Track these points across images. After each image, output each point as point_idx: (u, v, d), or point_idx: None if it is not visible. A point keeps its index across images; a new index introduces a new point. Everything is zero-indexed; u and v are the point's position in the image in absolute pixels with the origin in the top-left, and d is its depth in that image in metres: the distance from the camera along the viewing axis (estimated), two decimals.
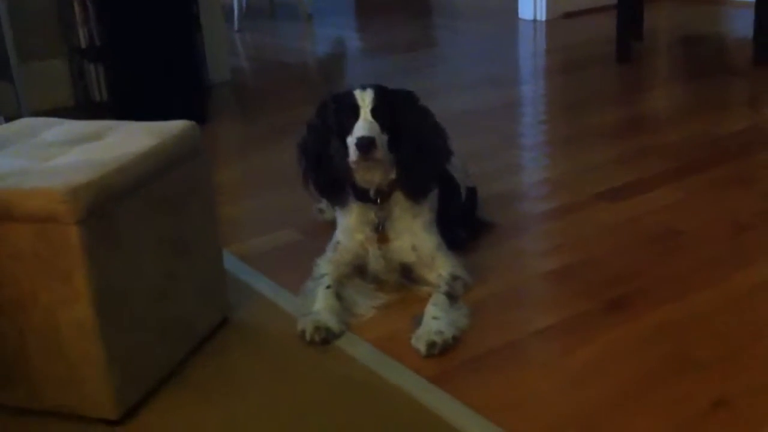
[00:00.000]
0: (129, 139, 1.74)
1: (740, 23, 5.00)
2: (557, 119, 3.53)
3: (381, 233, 2.04)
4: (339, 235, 2.11)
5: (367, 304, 2.03)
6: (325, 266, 2.08)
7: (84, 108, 3.86)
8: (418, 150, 1.99)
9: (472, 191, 2.34)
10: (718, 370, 1.71)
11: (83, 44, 3.73)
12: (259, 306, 2.07)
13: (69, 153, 1.72)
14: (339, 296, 2.00)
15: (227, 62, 4.42)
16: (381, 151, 1.94)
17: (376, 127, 1.94)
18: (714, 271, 2.11)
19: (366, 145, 1.91)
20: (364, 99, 1.96)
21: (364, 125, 1.94)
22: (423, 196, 2.04)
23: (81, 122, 1.94)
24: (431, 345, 1.81)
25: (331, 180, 2.04)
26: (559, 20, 5.38)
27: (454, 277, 2.03)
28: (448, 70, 4.42)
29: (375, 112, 1.95)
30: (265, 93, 4.23)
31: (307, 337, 1.86)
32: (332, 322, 1.90)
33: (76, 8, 3.68)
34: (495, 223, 2.41)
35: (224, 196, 2.58)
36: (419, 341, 1.83)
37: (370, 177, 2.00)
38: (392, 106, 1.98)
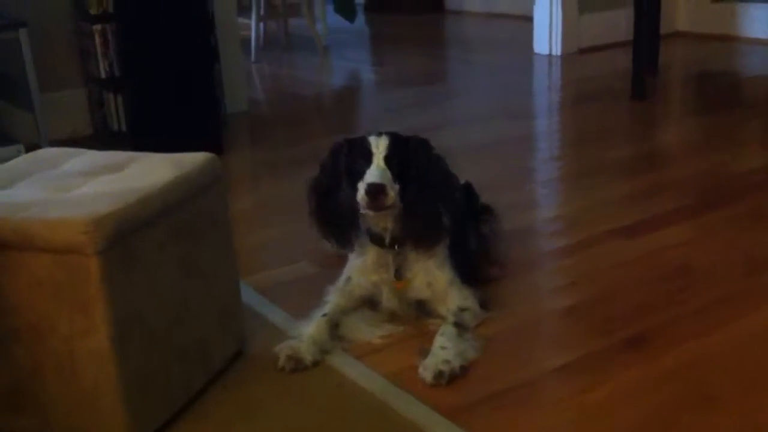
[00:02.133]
0: (150, 171, 1.76)
1: (755, 60, 5.02)
2: (571, 154, 3.54)
3: (398, 277, 2.06)
4: (350, 272, 2.12)
5: (371, 332, 2.04)
6: (334, 295, 2.10)
7: (102, 137, 3.90)
8: (424, 200, 1.99)
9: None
10: (734, 409, 1.70)
11: (102, 74, 3.78)
12: (275, 338, 2.06)
13: (90, 184, 1.74)
14: (336, 324, 2.02)
15: (244, 93, 4.46)
16: (391, 199, 1.94)
17: (387, 174, 1.94)
18: (729, 309, 2.10)
19: (376, 192, 1.91)
20: (379, 146, 1.96)
21: (375, 172, 1.94)
22: (431, 247, 2.04)
23: (102, 153, 1.96)
24: (438, 374, 1.83)
25: (337, 222, 2.04)
26: (574, 55, 5.41)
27: (462, 309, 2.04)
28: (463, 103, 4.45)
29: (388, 160, 1.96)
30: (282, 124, 4.27)
31: (279, 363, 1.90)
32: (308, 353, 1.92)
33: (96, 39, 3.73)
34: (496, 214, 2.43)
35: (240, 226, 2.59)
36: (426, 370, 1.85)
37: (383, 224, 2.02)
38: (406, 155, 1.99)
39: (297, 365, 1.90)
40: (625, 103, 4.18)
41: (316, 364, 1.92)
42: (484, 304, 2.10)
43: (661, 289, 2.23)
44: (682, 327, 2.03)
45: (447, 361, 1.86)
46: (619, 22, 5.45)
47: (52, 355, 1.59)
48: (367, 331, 2.05)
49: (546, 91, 4.93)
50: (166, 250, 1.70)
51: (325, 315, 2.04)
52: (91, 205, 1.57)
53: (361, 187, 1.94)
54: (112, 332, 1.55)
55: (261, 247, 2.66)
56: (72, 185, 1.74)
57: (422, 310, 2.11)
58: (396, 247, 2.04)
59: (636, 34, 4.18)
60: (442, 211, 2.02)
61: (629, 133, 3.84)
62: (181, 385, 1.77)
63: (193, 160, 1.82)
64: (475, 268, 2.22)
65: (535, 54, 5.51)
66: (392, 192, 1.94)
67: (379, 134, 2.00)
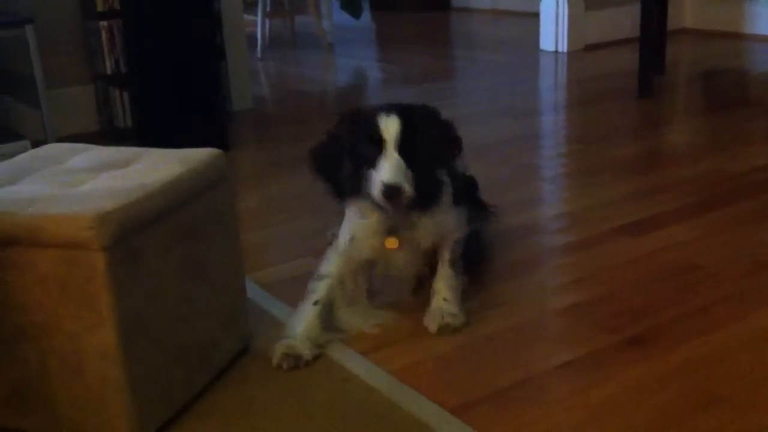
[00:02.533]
0: (156, 167, 1.76)
1: (762, 57, 5.01)
2: (576, 152, 3.54)
3: (404, 235, 2.00)
4: (354, 231, 2.04)
5: (365, 320, 2.05)
6: (333, 261, 2.06)
7: (108, 134, 3.91)
8: (427, 169, 1.94)
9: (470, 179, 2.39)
10: (738, 407, 1.70)
11: (109, 71, 3.79)
12: (280, 334, 2.07)
13: (96, 179, 1.74)
14: (330, 310, 2.01)
15: (250, 90, 4.47)
16: (407, 194, 1.87)
17: (402, 167, 1.87)
18: (734, 307, 2.10)
19: (393, 194, 1.86)
20: (389, 130, 1.89)
21: (390, 169, 1.87)
22: (430, 208, 2.00)
23: (108, 149, 1.97)
24: (444, 327, 1.96)
25: (340, 189, 1.99)
26: (580, 52, 5.41)
27: (456, 241, 2.09)
28: (468, 101, 4.45)
29: (401, 146, 1.89)
30: (287, 121, 4.27)
31: (274, 362, 1.89)
32: (305, 349, 1.92)
33: (103, 36, 3.74)
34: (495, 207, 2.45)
35: (245, 223, 2.60)
36: (432, 321, 1.95)
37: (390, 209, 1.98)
38: (414, 131, 1.91)
39: (296, 362, 1.90)
40: (631, 100, 4.18)
41: (315, 358, 1.92)
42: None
43: (666, 288, 2.23)
44: (686, 325, 2.02)
45: (453, 314, 1.98)
46: (625, 19, 5.45)
47: (59, 352, 1.59)
48: (360, 319, 2.05)
49: (552, 89, 4.93)
50: (172, 247, 1.70)
51: (316, 303, 2.01)
52: (97, 201, 1.57)
53: (376, 182, 1.87)
54: (118, 329, 1.55)
55: (266, 243, 2.66)
56: (78, 181, 1.75)
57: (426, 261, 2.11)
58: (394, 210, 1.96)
59: (642, 31, 4.17)
60: (442, 174, 1.99)
61: (635, 131, 3.84)
62: (185, 382, 1.77)
63: (199, 156, 1.83)
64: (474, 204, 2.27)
65: (541, 51, 5.51)
66: (408, 187, 1.87)
67: (388, 111, 1.91)
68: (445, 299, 2.04)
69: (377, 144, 1.90)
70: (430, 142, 1.93)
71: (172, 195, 1.69)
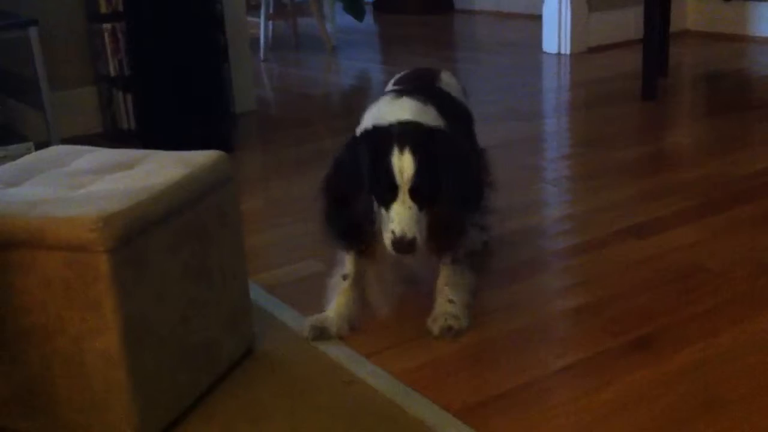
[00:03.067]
0: (160, 169, 1.76)
1: (766, 59, 5.00)
2: (580, 154, 3.53)
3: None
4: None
5: (392, 291, 2.06)
6: (348, 262, 2.06)
7: (112, 136, 3.92)
8: (450, 210, 1.86)
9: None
10: (744, 411, 1.70)
11: (112, 73, 3.79)
12: (283, 336, 2.07)
13: (100, 181, 1.74)
14: (359, 283, 2.03)
15: (253, 92, 4.47)
16: (419, 245, 1.79)
17: (414, 214, 1.78)
18: (739, 310, 2.09)
19: (405, 248, 1.77)
20: (403, 171, 1.77)
21: (402, 217, 1.77)
22: (449, 253, 2.00)
23: (112, 151, 1.97)
24: (447, 329, 1.94)
25: (352, 229, 1.92)
26: (583, 54, 5.40)
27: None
28: (472, 103, 4.42)
29: (415, 191, 1.78)
30: (290, 123, 4.27)
31: (304, 333, 1.99)
32: (333, 325, 1.99)
33: (106, 38, 3.75)
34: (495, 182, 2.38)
35: (248, 225, 2.60)
36: (434, 323, 1.94)
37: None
38: (435, 165, 1.80)
39: (321, 333, 1.97)
40: (635, 103, 4.17)
41: (340, 334, 1.98)
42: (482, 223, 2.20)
43: (670, 290, 2.22)
44: (691, 328, 2.02)
45: (456, 317, 1.94)
46: (629, 21, 5.44)
47: (62, 354, 1.59)
48: (386, 290, 2.05)
49: (555, 91, 4.92)
50: (176, 249, 1.70)
51: (345, 277, 2.02)
52: (101, 203, 1.57)
53: (387, 232, 1.81)
54: (122, 331, 1.55)
55: (269, 245, 2.66)
56: (82, 183, 1.75)
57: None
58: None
59: (646, 33, 4.17)
60: (466, 219, 1.94)
61: (639, 133, 3.83)
62: (189, 384, 1.77)
63: (202, 158, 1.83)
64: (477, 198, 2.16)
65: (544, 53, 5.51)
66: (420, 237, 1.79)
67: (401, 144, 1.78)
68: (450, 301, 2.01)
69: (390, 185, 1.80)
70: (453, 184, 1.84)
71: (176, 197, 1.69)
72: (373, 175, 1.83)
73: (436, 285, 2.07)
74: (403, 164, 1.78)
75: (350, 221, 1.90)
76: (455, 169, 1.87)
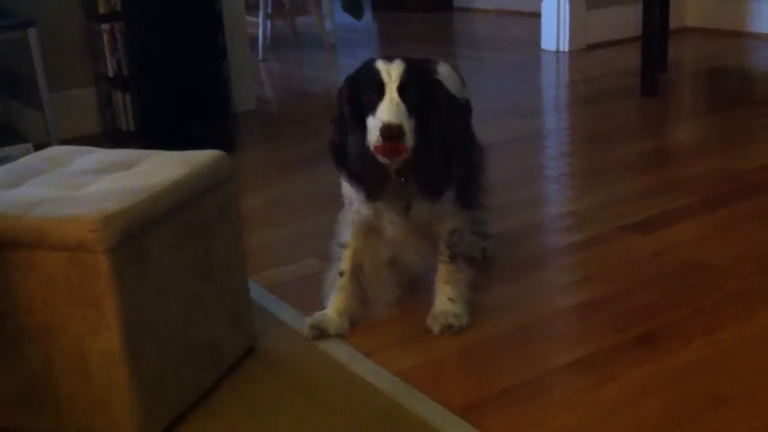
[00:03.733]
0: (160, 168, 1.76)
1: (765, 55, 5.00)
2: (581, 151, 3.53)
3: (402, 203, 1.90)
4: (349, 195, 1.96)
5: (391, 288, 2.07)
6: (349, 230, 2.02)
7: (111, 136, 3.91)
8: (439, 151, 1.80)
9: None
10: (747, 407, 1.69)
11: (111, 73, 3.78)
12: (284, 335, 2.07)
13: (100, 181, 1.74)
14: (356, 279, 2.03)
15: (253, 91, 4.46)
16: (409, 141, 1.70)
17: (403, 110, 1.70)
18: (742, 305, 2.09)
19: (393, 134, 1.67)
20: (391, 73, 1.73)
21: (390, 107, 1.69)
22: (435, 198, 1.90)
23: (112, 151, 1.96)
24: (447, 327, 1.96)
25: (360, 171, 1.82)
26: (582, 51, 5.40)
27: (453, 232, 2.01)
28: (471, 101, 4.43)
29: (403, 90, 1.72)
30: (290, 122, 4.27)
31: (305, 333, 2.00)
32: (331, 325, 2.01)
33: (105, 38, 3.74)
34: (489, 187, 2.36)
35: (249, 224, 2.59)
36: (435, 321, 1.96)
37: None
38: (423, 87, 1.76)
39: (320, 334, 1.98)
40: (635, 99, 4.17)
41: (339, 333, 2.00)
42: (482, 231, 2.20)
43: (673, 286, 2.22)
44: (694, 324, 2.01)
45: (457, 315, 1.97)
46: (627, 18, 5.44)
47: (64, 353, 1.59)
48: (383, 288, 2.06)
49: (554, 88, 4.92)
50: (177, 248, 1.70)
51: (342, 274, 2.03)
52: (101, 203, 1.57)
53: (374, 125, 1.71)
54: (123, 330, 1.55)
55: (269, 244, 2.66)
56: (82, 183, 1.74)
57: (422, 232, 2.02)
58: (402, 179, 1.84)
59: (645, 30, 4.16)
60: (454, 165, 1.88)
61: (639, 129, 3.83)
62: (191, 383, 1.77)
63: (202, 157, 1.82)
64: (472, 193, 2.20)
65: (543, 50, 5.50)
66: (408, 132, 1.70)
67: (391, 59, 1.75)
68: (450, 299, 2.01)
69: (378, 90, 1.74)
70: (442, 114, 1.80)
71: (176, 196, 1.68)
72: (360, 89, 1.77)
73: (435, 282, 2.06)
74: (391, 68, 1.74)
75: (356, 165, 1.82)
76: (446, 107, 1.84)
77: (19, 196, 1.67)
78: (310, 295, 2.23)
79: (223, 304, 1.86)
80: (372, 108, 1.74)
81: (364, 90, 1.77)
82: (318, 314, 2.04)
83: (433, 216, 1.98)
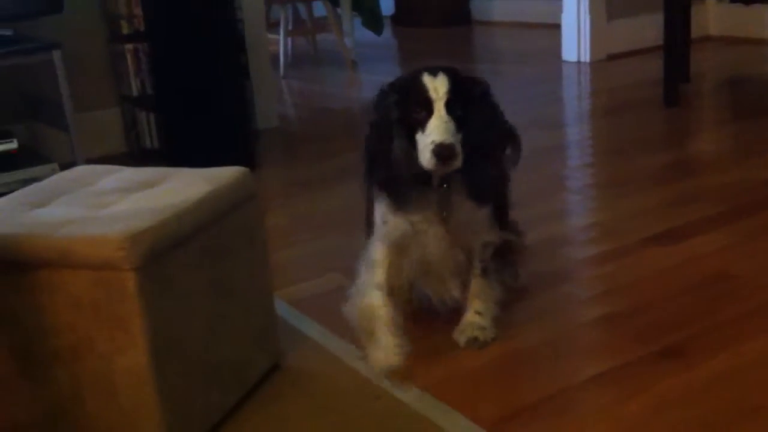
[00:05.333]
0: (185, 186, 1.77)
1: None
2: (603, 162, 3.51)
3: (443, 213, 1.90)
4: (386, 214, 1.94)
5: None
6: (379, 248, 1.97)
7: (136, 155, 3.95)
8: (486, 155, 1.83)
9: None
10: None
11: (135, 93, 3.83)
12: (309, 351, 2.07)
13: (125, 200, 1.76)
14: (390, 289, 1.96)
15: (275, 109, 4.49)
16: (459, 157, 1.74)
17: (452, 127, 1.74)
18: None
19: (446, 155, 1.72)
20: (438, 89, 1.75)
21: (440, 127, 1.73)
22: (487, 202, 1.94)
23: (136, 170, 1.98)
24: (473, 340, 1.93)
25: (394, 180, 1.84)
26: (603, 62, 5.38)
27: (486, 245, 2.01)
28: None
29: (450, 106, 1.75)
30: (312, 139, 4.29)
31: (383, 380, 1.87)
32: (395, 355, 1.90)
33: (129, 59, 3.78)
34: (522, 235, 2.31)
35: (273, 241, 2.60)
36: (461, 334, 1.94)
37: (440, 174, 1.83)
38: (467, 98, 1.79)
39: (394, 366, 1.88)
40: (657, 110, 4.15)
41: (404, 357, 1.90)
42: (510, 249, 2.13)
43: (698, 298, 2.20)
44: (720, 335, 2.00)
45: (483, 328, 1.95)
46: (649, 28, 5.40)
47: (91, 374, 1.60)
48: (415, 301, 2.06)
49: (576, 100, 4.91)
50: (202, 266, 1.71)
51: (379, 287, 1.96)
52: (127, 221, 1.58)
53: (426, 146, 1.74)
54: (150, 350, 1.56)
55: (293, 260, 2.66)
56: (108, 202, 1.76)
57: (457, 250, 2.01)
58: (444, 186, 1.87)
59: (666, 40, 4.14)
60: (501, 170, 1.91)
61: (662, 140, 3.81)
62: (217, 401, 1.77)
63: (226, 175, 1.83)
64: (505, 210, 2.16)
65: (564, 61, 5.49)
66: (459, 148, 1.74)
67: (434, 72, 1.78)
68: (477, 312, 2.01)
69: (426, 106, 1.77)
70: (488, 123, 1.83)
71: (201, 214, 1.69)
72: (407, 102, 1.80)
73: (466, 298, 2.05)
74: (437, 82, 1.77)
75: (393, 173, 1.84)
76: (491, 114, 1.86)
77: (45, 216, 1.69)
78: (333, 311, 2.23)
79: (248, 321, 1.87)
80: (421, 125, 1.77)
81: (411, 104, 1.79)
82: (378, 356, 1.90)
83: (471, 228, 1.97)
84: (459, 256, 2.02)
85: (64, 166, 2.64)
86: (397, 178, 1.84)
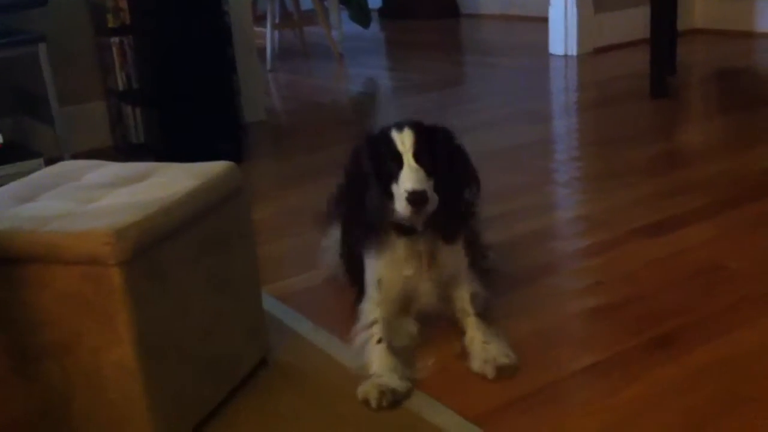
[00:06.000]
0: (172, 181, 1.76)
1: None
2: (591, 155, 3.52)
3: (432, 261, 1.97)
4: (378, 274, 2.00)
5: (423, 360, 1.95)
6: (372, 310, 1.98)
7: (122, 150, 3.92)
8: (453, 194, 1.93)
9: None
10: (767, 408, 1.68)
11: (121, 87, 3.80)
12: (298, 345, 2.07)
13: (112, 195, 1.74)
14: (393, 349, 1.91)
15: (262, 102, 4.47)
16: (432, 202, 1.87)
17: (422, 175, 1.86)
18: (760, 306, 2.07)
19: (419, 201, 1.83)
20: (404, 142, 1.88)
21: (411, 176, 1.85)
22: (457, 239, 2.00)
23: (123, 164, 1.97)
24: (502, 368, 1.84)
25: (369, 226, 1.95)
26: (590, 55, 5.39)
27: (474, 295, 2.02)
28: (480, 107, 4.44)
29: (418, 157, 1.87)
30: (300, 132, 4.27)
31: (374, 404, 1.76)
32: (396, 383, 1.80)
33: (114, 52, 3.76)
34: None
35: (260, 235, 2.59)
36: (486, 365, 1.85)
37: (416, 220, 1.92)
38: (432, 146, 1.91)
39: (394, 397, 1.77)
40: (645, 102, 4.16)
41: (409, 391, 1.80)
42: (488, 286, 2.10)
43: (689, 288, 2.20)
44: (711, 326, 2.00)
45: (506, 354, 1.87)
46: (635, 21, 5.42)
47: (80, 369, 1.59)
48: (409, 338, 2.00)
49: (563, 93, 4.91)
50: (190, 261, 1.69)
51: (380, 341, 1.91)
52: (114, 216, 1.57)
53: (400, 194, 1.86)
54: (138, 344, 1.55)
55: (281, 255, 2.65)
56: (94, 197, 1.75)
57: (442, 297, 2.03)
58: (426, 228, 1.94)
59: (653, 32, 4.15)
60: (467, 203, 1.98)
61: (650, 132, 3.81)
62: (207, 396, 1.76)
63: (213, 169, 1.82)
64: (476, 253, 2.18)
65: (551, 55, 5.50)
66: (431, 193, 1.87)
67: (400, 128, 1.90)
68: (485, 341, 1.91)
69: (396, 159, 1.88)
70: (451, 163, 1.94)
71: (188, 208, 1.68)
72: (378, 157, 1.92)
73: (464, 341, 1.96)
74: (404, 136, 1.89)
75: (366, 220, 1.95)
76: (453, 154, 1.96)
77: (32, 211, 1.67)
78: (321, 305, 2.23)
79: (237, 316, 1.86)
80: (394, 176, 1.88)
81: (383, 159, 1.91)
82: (373, 380, 1.81)
83: (457, 271, 2.01)
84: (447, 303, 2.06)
85: (50, 161, 2.63)
86: (376, 223, 1.94)
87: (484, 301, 2.03)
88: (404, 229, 1.96)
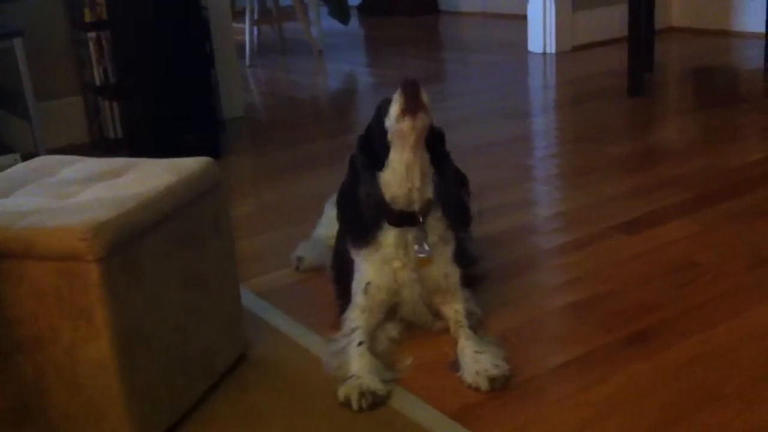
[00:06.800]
0: (149, 177, 1.75)
1: (751, 54, 5.02)
2: (569, 152, 3.53)
3: (421, 252, 1.92)
4: (366, 275, 1.96)
5: (403, 362, 1.93)
6: (357, 317, 1.94)
7: (99, 145, 3.90)
8: (454, 188, 1.93)
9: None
10: (741, 403, 1.69)
11: (98, 82, 3.77)
12: (276, 341, 2.06)
13: (88, 191, 1.73)
14: (374, 352, 1.89)
15: (241, 98, 4.46)
16: (426, 101, 1.80)
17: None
18: (734, 303, 2.09)
19: (412, 88, 1.77)
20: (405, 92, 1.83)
21: (403, 84, 1.81)
22: (467, 227, 1.99)
23: (100, 160, 1.96)
24: (494, 379, 1.79)
25: (361, 218, 1.92)
26: (568, 53, 5.41)
27: (471, 313, 2.00)
28: (459, 104, 4.44)
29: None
30: (279, 128, 4.26)
31: (354, 405, 1.73)
32: (376, 385, 1.78)
33: (91, 47, 3.73)
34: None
35: (238, 230, 2.58)
36: (478, 377, 1.79)
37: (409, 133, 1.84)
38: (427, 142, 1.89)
39: (374, 399, 1.75)
40: (622, 99, 4.18)
41: (389, 393, 1.78)
42: (482, 305, 2.07)
43: (665, 285, 2.22)
44: (686, 322, 2.02)
45: (496, 365, 1.81)
46: (613, 19, 5.45)
47: (56, 364, 1.58)
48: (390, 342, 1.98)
49: (542, 90, 4.93)
50: (168, 257, 1.69)
51: (361, 343, 1.88)
52: (90, 212, 1.56)
53: (392, 107, 1.82)
54: (114, 340, 1.54)
55: (259, 251, 2.65)
56: (70, 192, 1.73)
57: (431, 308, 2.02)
58: (421, 219, 1.92)
59: (631, 31, 4.18)
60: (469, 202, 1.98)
61: (627, 129, 3.84)
62: (185, 392, 1.76)
63: (191, 165, 1.81)
64: (467, 260, 2.16)
65: (530, 53, 5.51)
66: (427, 103, 1.81)
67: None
68: (477, 352, 1.87)
69: (387, 103, 1.87)
70: (445, 157, 1.95)
71: (165, 204, 1.67)
72: (371, 142, 1.91)
73: (456, 352, 1.92)
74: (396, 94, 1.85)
75: (360, 211, 1.92)
76: (448, 156, 1.97)
77: (7, 207, 1.66)
78: (300, 301, 2.23)
79: (215, 311, 1.85)
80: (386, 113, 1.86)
81: (379, 119, 1.88)
82: (352, 381, 1.78)
83: (447, 284, 1.99)
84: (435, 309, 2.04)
85: (26, 156, 2.60)
86: (370, 214, 1.90)
87: (477, 321, 2.00)
88: (398, 218, 1.91)
